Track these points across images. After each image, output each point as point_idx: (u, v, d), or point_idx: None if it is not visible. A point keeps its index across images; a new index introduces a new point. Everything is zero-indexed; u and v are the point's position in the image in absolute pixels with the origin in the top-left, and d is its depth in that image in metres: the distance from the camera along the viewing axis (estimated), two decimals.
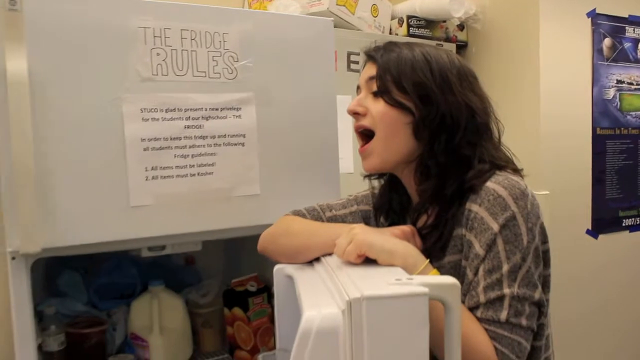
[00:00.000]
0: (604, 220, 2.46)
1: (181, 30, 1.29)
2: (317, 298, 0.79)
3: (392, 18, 2.49)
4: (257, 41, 1.37)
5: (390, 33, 2.45)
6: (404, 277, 0.78)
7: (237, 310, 1.73)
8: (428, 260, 0.91)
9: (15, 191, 1.14)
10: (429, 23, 2.46)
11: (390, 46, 1.07)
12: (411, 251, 0.90)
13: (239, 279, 1.74)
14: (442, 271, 0.99)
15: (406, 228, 1.00)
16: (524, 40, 2.34)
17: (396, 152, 1.04)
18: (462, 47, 2.57)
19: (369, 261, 0.90)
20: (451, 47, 2.50)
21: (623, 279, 2.53)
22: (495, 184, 0.95)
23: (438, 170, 1.01)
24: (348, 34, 2.20)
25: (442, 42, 2.47)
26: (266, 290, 1.73)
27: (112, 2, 1.23)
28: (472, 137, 1.01)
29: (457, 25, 2.54)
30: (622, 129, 2.50)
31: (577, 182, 2.39)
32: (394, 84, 1.02)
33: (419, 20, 2.44)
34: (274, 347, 1.26)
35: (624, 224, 2.53)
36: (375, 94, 1.04)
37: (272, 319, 1.70)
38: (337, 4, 2.19)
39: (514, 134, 2.28)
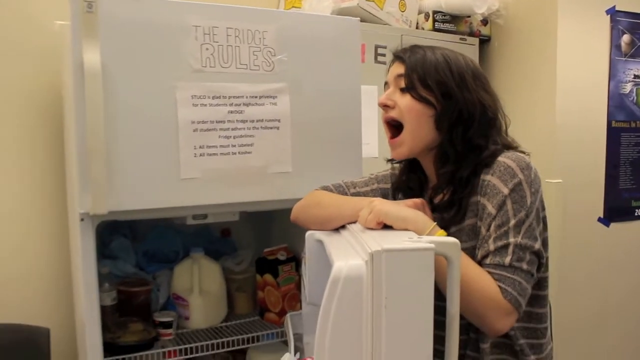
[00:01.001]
0: (617, 209, 2.61)
1: (227, 28, 1.51)
2: (345, 254, 0.99)
3: (419, 13, 2.65)
4: (291, 38, 1.59)
5: (417, 27, 2.62)
6: (415, 236, 0.99)
7: (268, 277, 1.97)
8: (435, 224, 1.10)
9: (87, 162, 1.38)
10: (454, 18, 2.62)
11: (415, 48, 1.26)
12: (420, 217, 1.10)
13: (270, 249, 1.98)
14: (462, 233, 1.19)
15: (417, 200, 1.19)
16: (543, 35, 2.49)
17: (421, 142, 1.23)
18: (485, 41, 2.72)
19: (386, 228, 1.10)
20: (474, 41, 2.66)
21: (634, 266, 2.67)
22: (505, 158, 1.15)
23: (455, 156, 1.21)
24: (376, 28, 2.38)
25: (465, 37, 2.63)
26: (294, 259, 1.96)
27: (170, 4, 1.46)
28: (484, 129, 1.20)
29: (480, 20, 2.69)
30: (638, 122, 2.64)
31: (590, 172, 2.54)
32: (420, 82, 1.20)
33: (444, 15, 2.60)
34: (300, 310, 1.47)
35: (636, 214, 2.67)
36: (403, 90, 1.22)
37: (298, 286, 1.92)
38: (366, 0, 2.38)
39: (531, 125, 2.49)
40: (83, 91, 1.37)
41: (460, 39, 2.62)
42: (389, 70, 1.29)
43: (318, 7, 2.27)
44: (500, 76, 2.71)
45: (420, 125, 1.21)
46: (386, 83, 1.29)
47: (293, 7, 2.47)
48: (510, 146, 1.23)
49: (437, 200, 1.25)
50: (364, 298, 0.91)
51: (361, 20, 2.29)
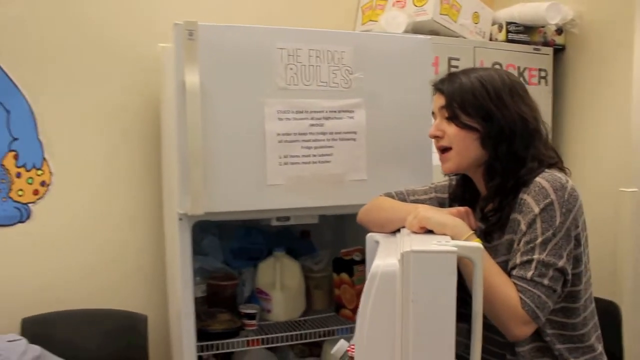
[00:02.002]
0: None
1: (309, 50, 1.70)
2: (387, 254, 1.13)
3: (493, 24, 2.73)
4: (367, 57, 1.75)
5: (490, 39, 2.70)
6: (444, 240, 1.11)
7: (344, 276, 2.13)
8: (472, 232, 1.22)
9: (187, 169, 1.60)
10: (528, 28, 2.67)
11: (451, 77, 1.36)
12: (459, 224, 1.22)
13: (346, 250, 2.14)
14: (502, 247, 1.29)
15: (461, 208, 1.31)
16: (618, 43, 2.50)
17: (468, 160, 1.34)
18: (559, 50, 2.75)
19: (430, 232, 1.22)
20: (548, 50, 2.71)
21: None
22: (541, 179, 1.24)
23: (502, 170, 1.30)
24: (449, 41, 2.48)
25: (539, 46, 2.68)
26: None
27: (259, 31, 1.66)
28: (526, 141, 1.29)
29: (555, 30, 2.72)
30: None
31: None
32: (461, 110, 1.30)
33: (518, 26, 2.66)
34: None
35: None
36: (448, 119, 1.34)
37: None
38: (440, 13, 2.48)
39: (605, 133, 2.53)
40: (184, 108, 1.58)
41: (534, 49, 2.67)
42: (433, 100, 1.40)
43: (393, 22, 2.40)
44: (575, 84, 2.73)
45: (467, 148, 1.32)
46: (433, 113, 1.39)
47: (370, 20, 2.63)
48: (550, 161, 1.30)
49: (487, 209, 1.35)
50: (396, 293, 1.04)
51: (435, 34, 2.45)
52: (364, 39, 1.77)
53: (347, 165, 1.76)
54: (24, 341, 1.80)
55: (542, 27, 2.69)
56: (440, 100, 1.35)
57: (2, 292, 2.10)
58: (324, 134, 1.73)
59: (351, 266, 2.11)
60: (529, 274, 1.18)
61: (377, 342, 1.06)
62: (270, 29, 1.68)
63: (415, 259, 1.02)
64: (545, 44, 2.71)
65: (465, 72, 1.36)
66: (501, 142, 1.29)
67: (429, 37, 1.87)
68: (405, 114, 1.80)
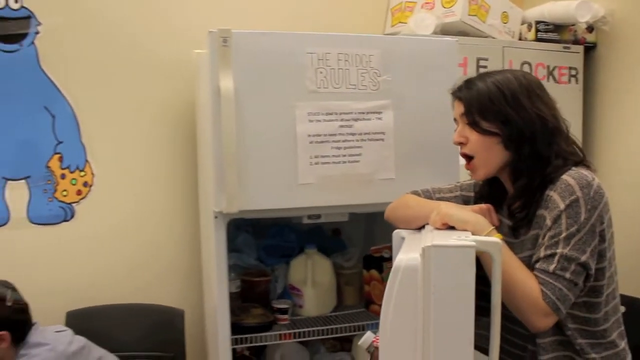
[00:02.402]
0: None
1: (338, 54, 1.77)
2: (410, 249, 1.18)
3: (522, 23, 2.75)
4: (394, 60, 1.82)
5: (520, 38, 2.73)
6: (463, 236, 1.16)
7: (374, 272, 2.20)
8: (493, 228, 1.26)
9: (222, 169, 1.69)
10: (557, 27, 2.68)
11: (468, 84, 1.40)
12: (480, 220, 1.26)
13: (376, 247, 2.21)
14: (528, 242, 1.33)
15: (483, 205, 1.36)
16: None
17: (493, 165, 1.38)
18: (590, 48, 2.76)
19: (452, 228, 1.27)
20: (579, 49, 2.71)
21: None
22: (568, 176, 1.28)
23: (527, 170, 1.34)
24: (478, 41, 2.51)
25: (569, 45, 2.70)
26: None
27: (290, 36, 1.74)
28: (547, 139, 1.32)
29: (585, 28, 2.73)
30: None
31: None
32: (480, 117, 1.33)
33: (547, 25, 2.68)
34: None
35: None
36: (469, 125, 1.38)
37: None
38: (468, 14, 2.52)
39: (636, 131, 2.51)
40: (219, 111, 1.68)
41: (564, 47, 2.68)
42: (453, 107, 1.44)
43: (422, 23, 2.45)
44: (606, 82, 2.73)
45: (490, 153, 1.36)
46: (455, 119, 1.44)
47: (399, 22, 2.68)
48: (575, 159, 1.33)
49: (514, 207, 1.39)
50: (418, 285, 1.10)
51: (464, 34, 2.49)
52: (391, 42, 1.84)
53: (376, 164, 1.83)
54: (69, 332, 1.91)
55: (573, 25, 2.69)
56: (460, 108, 1.40)
57: (48, 287, 2.23)
58: (353, 134, 1.80)
59: (381, 263, 2.17)
60: (552, 267, 1.22)
61: (400, 333, 1.12)
62: (300, 35, 1.76)
63: (436, 253, 1.07)
64: (576, 42, 2.71)
65: (482, 77, 1.40)
66: (523, 144, 1.33)
67: (455, 38, 1.92)
68: (433, 114, 1.85)
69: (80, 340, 1.90)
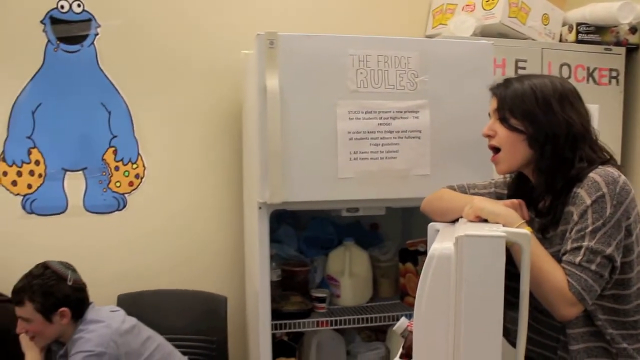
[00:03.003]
0: None
1: (377, 55, 1.89)
2: (444, 239, 1.27)
3: (563, 25, 2.80)
4: (432, 61, 1.93)
5: (560, 40, 2.77)
6: (494, 227, 1.26)
7: (409, 265, 2.31)
8: (523, 221, 1.35)
9: (267, 162, 1.82)
10: (599, 29, 2.70)
11: (506, 83, 1.50)
12: (511, 214, 1.35)
13: (412, 241, 2.32)
14: (556, 237, 1.41)
15: (515, 200, 1.44)
16: None
17: (516, 160, 1.48)
18: (632, 49, 2.77)
19: (484, 221, 1.36)
20: (621, 50, 2.73)
21: None
22: (595, 174, 1.36)
23: (547, 169, 1.44)
24: (517, 43, 2.57)
25: (611, 46, 2.73)
26: None
27: (333, 39, 1.87)
28: (572, 144, 1.41)
29: (628, 29, 2.75)
30: None
31: None
32: (510, 114, 1.44)
33: (589, 27, 2.71)
34: None
35: None
36: (499, 121, 1.49)
37: None
38: (509, 16, 2.59)
39: None
40: (265, 109, 1.82)
41: (605, 49, 2.69)
42: (490, 102, 1.54)
43: (462, 25, 2.53)
44: None
45: (515, 148, 1.46)
46: (489, 114, 1.54)
47: (440, 24, 2.78)
48: (602, 158, 1.42)
49: (539, 206, 1.49)
50: (451, 273, 1.17)
51: (504, 36, 2.58)
52: (429, 45, 1.95)
53: (412, 161, 1.94)
54: (122, 312, 2.08)
55: (615, 26, 2.71)
56: (494, 103, 1.51)
57: (101, 271, 2.41)
58: (390, 132, 1.92)
59: (416, 256, 2.28)
60: (578, 259, 1.31)
61: (433, 318, 1.20)
62: (342, 37, 1.89)
63: (468, 242, 1.16)
64: (618, 43, 2.72)
65: (521, 78, 1.51)
66: (546, 144, 1.42)
67: (491, 41, 2.01)
68: (467, 114, 1.95)
69: (132, 320, 2.06)
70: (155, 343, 2.07)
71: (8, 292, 2.17)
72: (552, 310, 1.34)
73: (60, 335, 1.97)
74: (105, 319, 1.98)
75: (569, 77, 2.64)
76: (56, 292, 1.93)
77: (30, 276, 1.95)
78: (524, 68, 2.57)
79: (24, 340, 1.99)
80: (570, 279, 1.30)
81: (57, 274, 1.96)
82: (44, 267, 1.98)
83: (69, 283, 1.96)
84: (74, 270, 2.03)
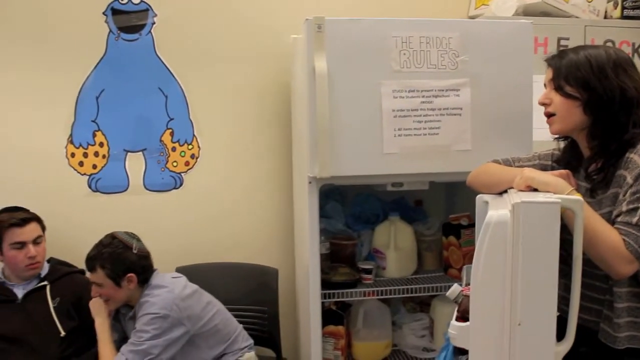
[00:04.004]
0: None
1: (419, 37, 2.03)
2: (498, 207, 1.38)
3: (608, 1, 2.86)
4: (472, 41, 2.05)
5: (605, 17, 2.83)
6: (547, 195, 1.37)
7: (452, 239, 2.46)
8: (573, 188, 1.44)
9: (317, 139, 1.99)
10: None
11: (562, 54, 1.61)
12: (560, 182, 1.45)
13: (454, 215, 2.46)
14: (607, 200, 1.50)
15: (563, 171, 1.54)
16: None
17: (570, 124, 1.58)
18: None
19: (534, 190, 1.45)
20: None
21: None
22: None
23: (602, 133, 1.54)
24: (559, 21, 2.65)
25: None
26: (474, 225, 2.42)
27: (377, 22, 2.02)
28: (626, 108, 1.50)
29: None
30: None
31: None
32: (565, 82, 1.54)
33: (635, 2, 2.76)
34: None
35: None
36: (555, 90, 1.59)
37: None
38: None
39: None
40: (314, 89, 1.98)
41: None
42: (545, 73, 1.65)
43: (503, 6, 2.63)
44: None
45: (569, 113, 1.56)
46: (545, 84, 1.65)
47: (482, 4, 2.88)
48: None
49: (590, 169, 1.58)
50: (507, 238, 1.28)
51: (546, 15, 2.66)
52: (469, 25, 2.08)
53: (454, 137, 2.08)
54: (184, 278, 2.28)
55: None
56: (550, 73, 1.61)
57: (160, 245, 2.57)
58: (433, 110, 2.06)
59: (459, 230, 2.43)
60: (635, 220, 1.38)
61: (490, 281, 1.30)
62: (386, 20, 2.04)
63: (525, 208, 1.27)
64: None
65: (576, 49, 1.60)
66: (601, 109, 1.52)
67: (531, 20, 2.13)
68: (507, 92, 2.08)
69: (193, 286, 2.26)
70: (215, 308, 2.26)
71: (77, 263, 2.43)
72: (609, 269, 1.41)
73: (129, 299, 2.20)
74: (169, 284, 2.18)
75: None
76: (123, 259, 2.14)
77: (100, 245, 2.17)
78: (566, 46, 2.62)
79: (93, 307, 2.22)
80: (627, 238, 1.38)
81: (124, 243, 2.18)
82: (112, 237, 2.20)
83: (135, 251, 2.17)
84: (138, 240, 2.24)
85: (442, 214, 2.71)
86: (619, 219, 1.43)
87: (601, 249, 1.40)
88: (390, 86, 2.03)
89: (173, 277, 2.25)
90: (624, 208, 1.43)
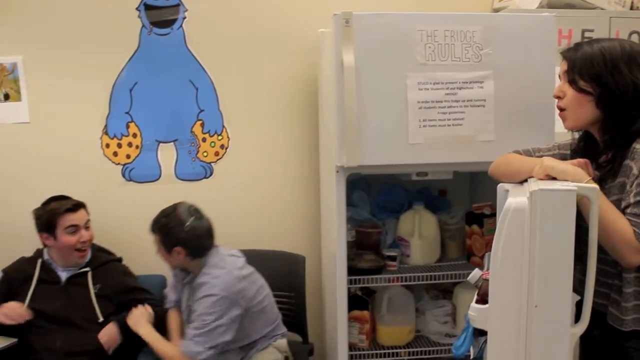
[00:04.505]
0: None
1: (444, 30, 2.11)
2: (517, 194, 1.45)
3: None
4: (495, 35, 2.13)
5: (631, 8, 2.83)
6: (565, 184, 1.43)
7: (475, 227, 2.54)
8: (590, 177, 1.50)
9: (345, 129, 2.09)
10: None
11: (577, 47, 1.66)
12: (578, 171, 1.51)
13: (477, 205, 2.54)
14: (615, 188, 1.56)
15: (581, 160, 1.59)
16: None
17: (582, 119, 1.64)
18: None
19: (553, 179, 1.52)
20: None
21: None
22: None
23: (614, 126, 1.59)
24: (583, 13, 2.68)
25: None
26: (497, 214, 2.49)
27: (403, 16, 2.10)
28: (638, 103, 1.56)
29: None
30: None
31: None
32: (579, 76, 1.58)
33: None
34: None
35: None
36: (569, 83, 1.64)
37: None
38: None
39: None
40: (342, 81, 2.07)
41: None
42: (560, 65, 1.70)
43: None
44: None
45: (581, 108, 1.62)
46: (559, 76, 1.71)
47: None
48: None
49: (601, 160, 1.66)
50: (525, 224, 1.35)
51: (571, 7, 2.70)
52: (493, 19, 2.15)
53: (477, 128, 2.16)
54: (243, 258, 2.39)
55: None
56: (564, 66, 1.66)
57: None
58: (457, 101, 2.14)
59: (481, 219, 2.51)
60: None
61: (508, 265, 1.37)
62: (411, 15, 2.12)
63: (542, 195, 1.33)
64: None
65: (591, 42, 1.64)
66: (613, 104, 1.57)
67: (554, 12, 2.19)
68: (530, 84, 2.15)
69: (249, 267, 2.37)
70: (265, 291, 2.40)
71: (111, 248, 2.58)
72: (619, 257, 1.49)
73: (182, 266, 2.35)
74: (227, 264, 2.30)
75: None
76: (173, 234, 2.26)
77: (162, 213, 2.32)
78: (590, 38, 2.67)
79: (131, 322, 2.36)
80: (637, 229, 1.45)
81: (179, 219, 2.28)
82: (174, 209, 2.32)
83: (186, 229, 2.27)
84: (197, 218, 2.32)
85: (466, 203, 2.79)
86: (628, 211, 1.49)
87: (613, 238, 1.47)
88: (415, 78, 2.12)
89: (231, 256, 2.37)
90: (632, 200, 1.49)
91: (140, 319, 2.36)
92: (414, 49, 2.12)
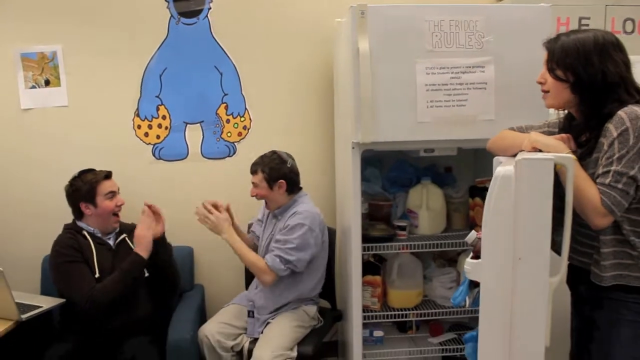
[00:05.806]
0: None
1: (450, 20, 2.37)
2: (506, 164, 1.68)
3: None
4: (496, 24, 2.39)
5: None
6: (546, 153, 1.67)
7: (478, 200, 2.81)
8: (570, 150, 1.74)
9: (360, 109, 2.36)
10: None
11: (557, 38, 1.87)
12: (560, 145, 1.75)
13: (480, 179, 2.80)
14: (591, 163, 1.79)
15: (564, 135, 1.84)
16: None
17: (560, 102, 1.87)
18: None
19: (539, 151, 1.74)
20: None
21: None
22: (622, 111, 1.74)
23: (587, 110, 1.83)
24: (581, 2, 2.89)
25: None
26: None
27: (413, 8, 2.36)
28: (607, 91, 1.75)
29: None
30: None
31: None
32: (556, 65, 1.81)
33: None
34: None
35: None
36: (548, 70, 1.86)
37: None
38: None
39: None
40: (358, 66, 2.35)
41: None
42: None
43: None
44: None
45: (560, 93, 1.86)
46: (543, 64, 1.93)
47: None
48: (636, 99, 1.78)
49: (580, 139, 1.89)
50: (511, 189, 1.58)
51: None
52: (494, 10, 2.42)
53: (479, 108, 2.43)
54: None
55: None
56: (545, 55, 1.91)
57: None
58: (461, 84, 2.41)
59: (484, 192, 2.74)
60: (607, 180, 1.69)
61: (498, 224, 1.61)
62: (420, 6, 2.38)
63: (525, 164, 1.57)
64: None
65: (569, 33, 1.86)
66: (585, 91, 1.81)
67: (550, 4, 2.46)
68: (527, 68, 2.37)
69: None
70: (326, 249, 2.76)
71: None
72: (589, 220, 1.72)
73: (276, 201, 2.68)
74: (314, 208, 2.66)
75: (633, 31, 2.95)
76: (278, 169, 2.63)
77: (264, 156, 2.67)
78: (587, 25, 2.87)
79: (215, 227, 2.63)
80: (602, 196, 1.69)
81: (281, 158, 2.65)
82: (273, 152, 2.69)
83: (288, 165, 2.64)
84: (293, 160, 2.69)
85: (470, 179, 3.06)
86: (597, 180, 1.73)
87: (582, 203, 1.72)
88: (423, 64, 2.39)
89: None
90: (600, 170, 1.73)
91: (222, 223, 2.64)
92: (422, 37, 2.39)
